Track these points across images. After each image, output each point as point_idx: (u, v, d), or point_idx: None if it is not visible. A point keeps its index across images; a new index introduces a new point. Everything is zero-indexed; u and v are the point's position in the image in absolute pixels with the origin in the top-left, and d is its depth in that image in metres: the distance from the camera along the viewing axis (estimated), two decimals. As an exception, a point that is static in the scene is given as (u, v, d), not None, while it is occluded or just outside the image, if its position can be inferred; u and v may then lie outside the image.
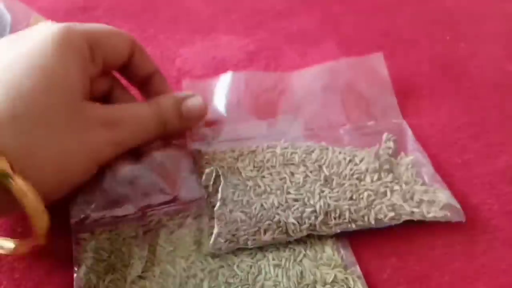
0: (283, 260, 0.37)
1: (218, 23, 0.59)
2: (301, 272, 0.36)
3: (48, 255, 0.38)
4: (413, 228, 0.39)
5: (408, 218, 0.39)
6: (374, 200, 0.39)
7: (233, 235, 0.37)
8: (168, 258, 0.37)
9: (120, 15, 0.60)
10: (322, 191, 0.39)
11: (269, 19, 0.60)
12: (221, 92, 0.49)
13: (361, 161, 0.42)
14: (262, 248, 0.37)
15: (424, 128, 0.47)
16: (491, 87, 0.51)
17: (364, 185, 0.40)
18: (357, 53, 0.52)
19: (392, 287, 0.37)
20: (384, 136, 0.45)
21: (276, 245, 0.38)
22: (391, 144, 0.44)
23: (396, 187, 0.40)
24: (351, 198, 0.39)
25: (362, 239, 0.39)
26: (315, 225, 0.38)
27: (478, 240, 0.40)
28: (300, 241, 0.38)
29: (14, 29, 0.54)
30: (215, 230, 0.37)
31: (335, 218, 0.38)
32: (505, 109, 0.49)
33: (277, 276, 0.36)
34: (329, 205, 0.38)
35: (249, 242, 0.37)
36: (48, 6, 0.60)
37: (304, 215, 0.38)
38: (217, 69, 0.53)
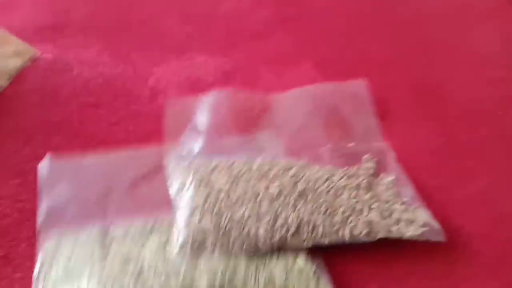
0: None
1: (194, 42, 0.58)
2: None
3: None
4: (394, 253, 0.38)
5: (384, 235, 0.38)
6: (349, 216, 0.38)
7: (200, 244, 0.36)
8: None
9: (92, 33, 0.58)
10: (296, 204, 0.38)
11: (245, 39, 0.59)
12: (203, 109, 0.49)
13: (339, 179, 0.41)
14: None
15: (399, 151, 0.46)
16: (464, 112, 0.51)
17: (340, 200, 0.39)
18: (333, 74, 0.52)
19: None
20: (365, 157, 0.45)
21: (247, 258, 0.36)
22: (371, 164, 0.44)
23: (375, 205, 0.39)
24: (325, 213, 0.38)
25: (342, 264, 0.38)
26: (286, 238, 0.36)
27: (458, 265, 0.38)
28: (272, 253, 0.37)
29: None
30: (181, 239, 0.36)
31: (308, 232, 0.37)
32: (479, 133, 0.49)
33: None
34: (302, 218, 0.37)
35: (215, 252, 0.36)
36: (17, 24, 0.59)
37: (275, 227, 0.37)
38: (192, 89, 0.52)
